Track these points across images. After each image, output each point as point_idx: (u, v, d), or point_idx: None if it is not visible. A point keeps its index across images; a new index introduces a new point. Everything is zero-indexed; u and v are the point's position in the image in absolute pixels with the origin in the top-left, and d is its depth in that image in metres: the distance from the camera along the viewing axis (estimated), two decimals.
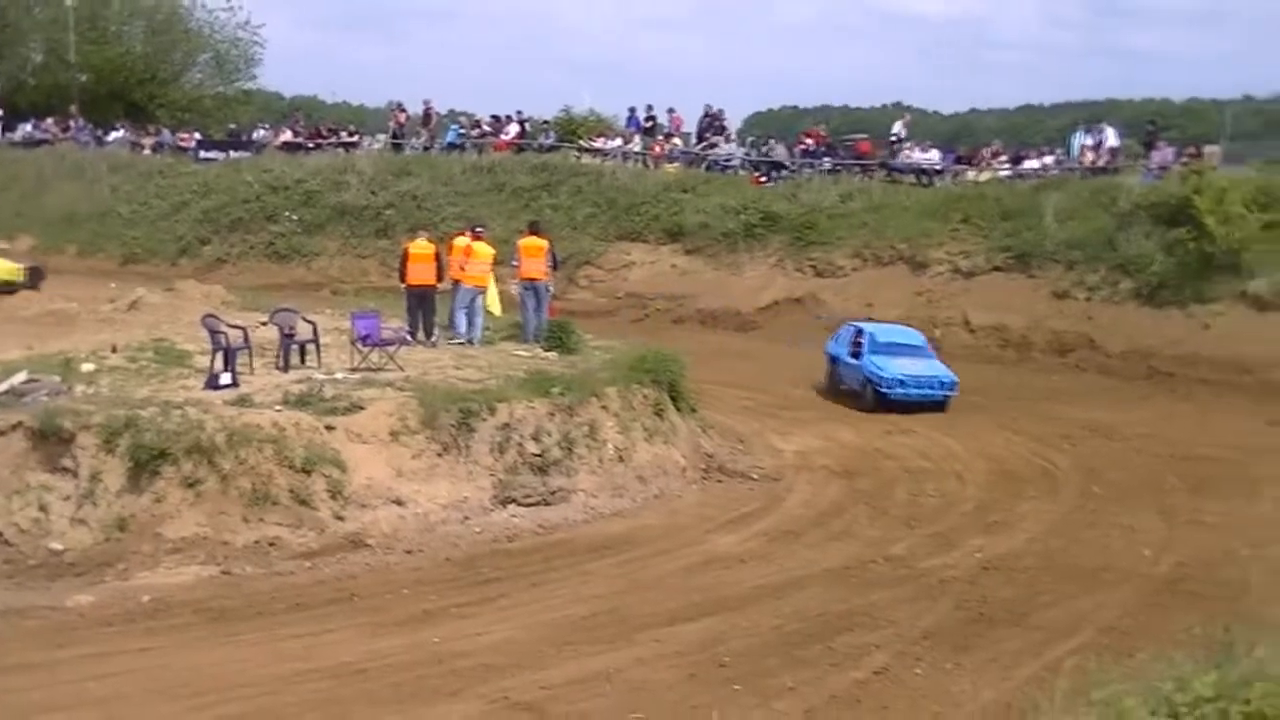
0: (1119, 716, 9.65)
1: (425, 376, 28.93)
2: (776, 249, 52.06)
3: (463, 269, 33.61)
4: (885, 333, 40.74)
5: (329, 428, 25.97)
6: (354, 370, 29.30)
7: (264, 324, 30.81)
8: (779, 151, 58.70)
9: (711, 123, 61.21)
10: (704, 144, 59.77)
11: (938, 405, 38.13)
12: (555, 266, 36.85)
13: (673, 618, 22.22)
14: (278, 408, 26.31)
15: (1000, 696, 18.54)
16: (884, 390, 37.79)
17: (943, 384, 38.39)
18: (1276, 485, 28.16)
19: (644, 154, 59.69)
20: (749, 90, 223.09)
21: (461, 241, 34.18)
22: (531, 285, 34.68)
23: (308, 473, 25.05)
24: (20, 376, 26.98)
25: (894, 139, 56.87)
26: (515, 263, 35.34)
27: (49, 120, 76.49)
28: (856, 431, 34.92)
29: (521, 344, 33.06)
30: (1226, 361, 41.60)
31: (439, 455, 26.96)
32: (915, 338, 41.04)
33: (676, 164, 58.65)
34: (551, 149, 62.45)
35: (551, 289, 35.89)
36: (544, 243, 35.82)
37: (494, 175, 59.52)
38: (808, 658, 20.65)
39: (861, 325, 41.27)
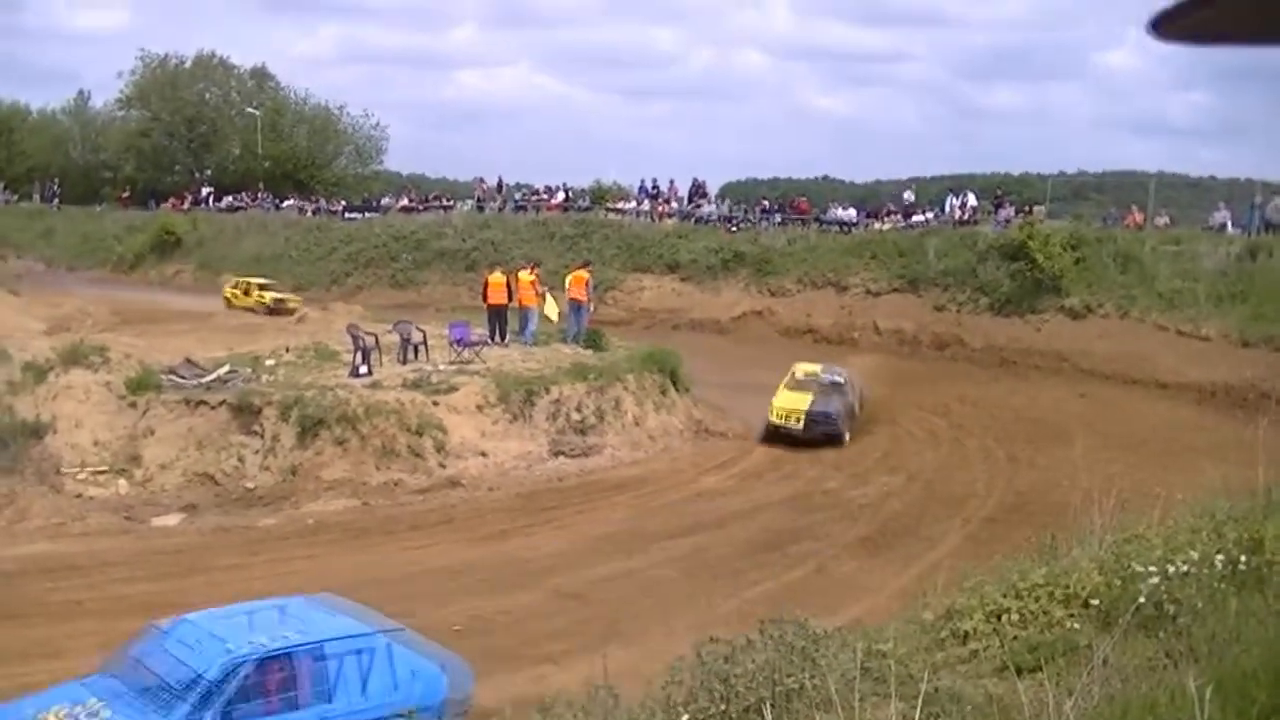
0: (981, 597, 9.67)
1: (500, 367, 29.01)
2: (744, 277, 51.90)
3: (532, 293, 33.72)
4: None
5: (434, 403, 26.27)
6: (451, 363, 29.29)
7: (389, 331, 30.78)
8: (735, 210, 58.72)
9: (698, 190, 61.04)
10: (693, 204, 59.58)
11: None
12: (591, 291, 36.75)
13: (674, 533, 22.39)
14: (398, 389, 26.52)
15: (902, 585, 18.59)
16: None
17: None
18: (1084, 437, 28.13)
19: (651, 212, 59.51)
20: (723, 167, 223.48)
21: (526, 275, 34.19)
22: (576, 303, 34.66)
23: (420, 434, 25.39)
24: (224, 368, 27.21)
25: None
26: (566, 287, 35.29)
27: (243, 193, 76.68)
28: None
29: (567, 345, 32.99)
30: (1051, 353, 41.54)
31: (510, 422, 27.13)
32: None
33: (674, 219, 58.43)
34: (586, 209, 62.26)
35: (592, 308, 35.79)
36: (587, 275, 35.69)
37: (546, 227, 59.35)
38: (768, 561, 20.77)
39: None
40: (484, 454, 26.15)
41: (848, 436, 30.46)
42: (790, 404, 30.59)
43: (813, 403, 30.37)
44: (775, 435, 30.17)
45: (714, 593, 18.61)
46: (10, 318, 37.37)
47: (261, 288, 53.81)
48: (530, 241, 56.68)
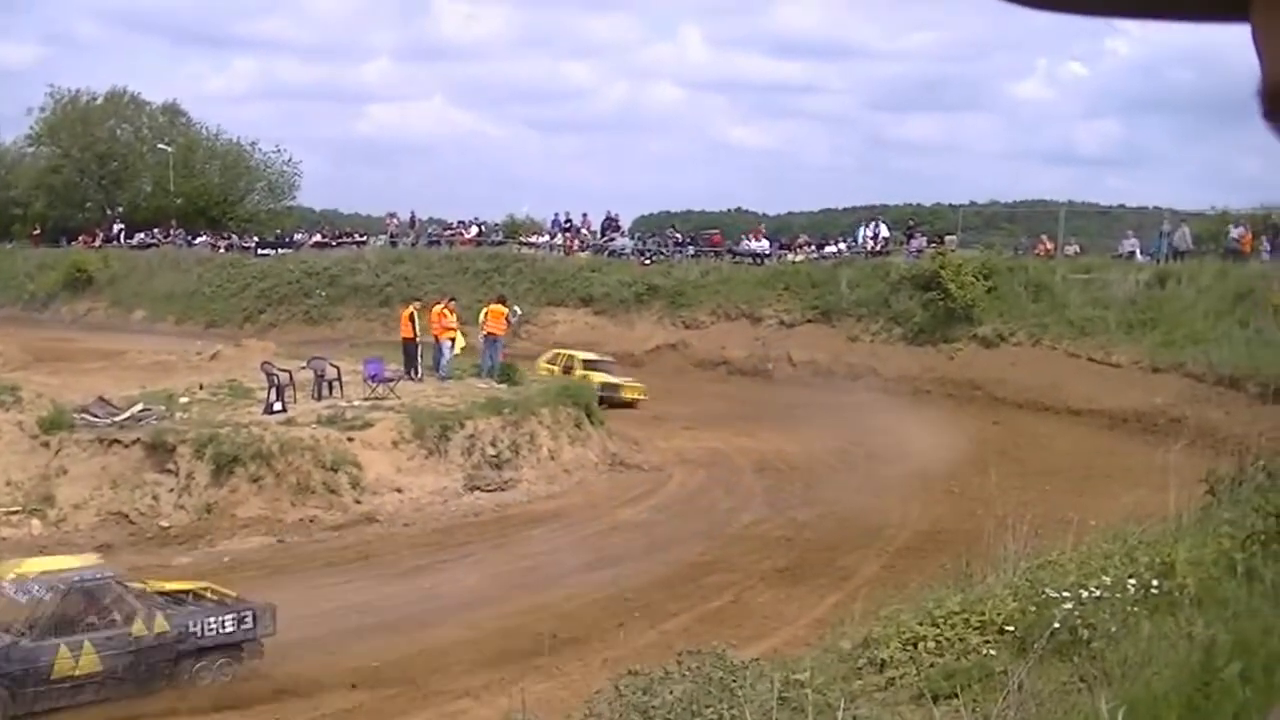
0: (898, 625, 9.70)
1: (415, 403, 28.87)
2: (657, 310, 52.03)
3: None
4: None
5: (349, 439, 26.10)
6: (366, 399, 29.12)
7: (303, 368, 30.54)
8: (649, 243, 58.93)
9: (611, 223, 61.27)
10: (606, 238, 59.76)
11: None
12: (509, 325, 36.67)
13: (590, 567, 22.31)
14: (313, 426, 26.35)
15: (819, 615, 18.64)
16: None
17: None
18: (998, 464, 28.34)
19: (564, 246, 59.63)
20: (637, 200, 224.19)
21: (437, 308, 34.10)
22: (492, 338, 34.62)
23: (335, 471, 25.23)
24: (138, 407, 26.89)
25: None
26: (481, 321, 35.28)
27: (156, 230, 76.11)
28: (715, 436, 34.89)
29: (481, 379, 32.92)
30: (964, 382, 41.89)
31: (425, 457, 27.01)
32: None
33: (587, 252, 58.55)
34: (499, 243, 62.40)
35: (505, 342, 35.78)
36: (504, 309, 35.72)
37: (460, 262, 59.24)
38: (685, 592, 20.75)
39: None
40: (399, 490, 26.00)
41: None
42: None
43: None
44: None
45: (632, 625, 18.59)
46: None
47: (587, 364, 41.05)
48: (444, 276, 56.50)
